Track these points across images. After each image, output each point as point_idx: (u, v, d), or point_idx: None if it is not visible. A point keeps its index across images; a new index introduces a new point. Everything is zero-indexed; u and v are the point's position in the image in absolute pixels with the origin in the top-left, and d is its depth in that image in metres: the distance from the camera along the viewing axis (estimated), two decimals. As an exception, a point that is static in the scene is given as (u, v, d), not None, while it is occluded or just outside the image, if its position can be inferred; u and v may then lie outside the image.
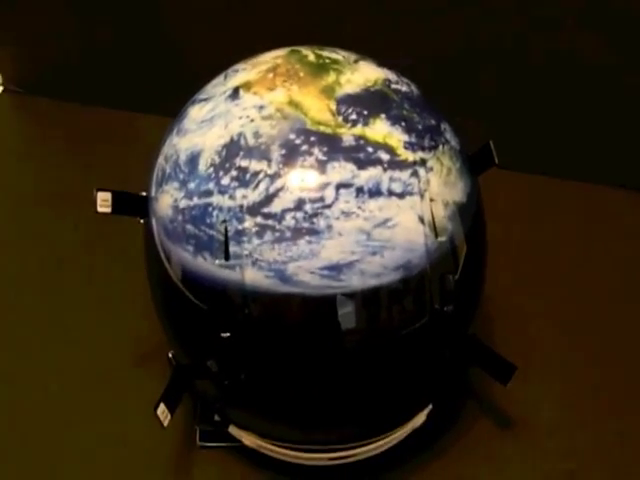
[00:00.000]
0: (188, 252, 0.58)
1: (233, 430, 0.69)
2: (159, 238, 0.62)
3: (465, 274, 0.60)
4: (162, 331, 0.67)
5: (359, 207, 0.55)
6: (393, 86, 0.62)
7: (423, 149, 0.59)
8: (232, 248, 0.56)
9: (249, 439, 0.68)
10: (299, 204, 0.55)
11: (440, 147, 0.60)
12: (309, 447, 0.67)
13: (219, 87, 0.63)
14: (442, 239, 0.57)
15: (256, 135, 0.57)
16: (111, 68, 1.12)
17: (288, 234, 0.54)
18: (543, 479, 0.69)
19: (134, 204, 0.64)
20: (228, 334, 0.58)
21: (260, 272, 0.55)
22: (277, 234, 0.55)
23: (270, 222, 0.55)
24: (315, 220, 0.55)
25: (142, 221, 0.65)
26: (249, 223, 0.55)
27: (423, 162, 0.58)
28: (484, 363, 0.65)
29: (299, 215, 0.55)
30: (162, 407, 0.60)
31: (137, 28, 1.09)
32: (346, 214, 0.55)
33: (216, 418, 0.72)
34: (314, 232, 0.54)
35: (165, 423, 0.60)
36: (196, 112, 0.62)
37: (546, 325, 0.81)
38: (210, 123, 0.60)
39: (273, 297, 0.55)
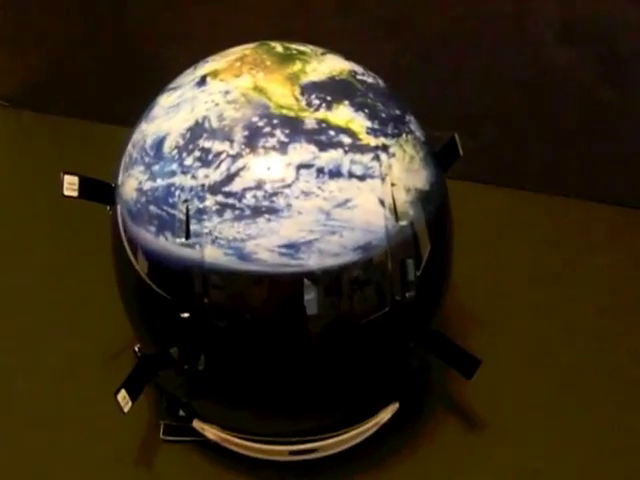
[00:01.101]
0: (150, 232, 0.58)
1: (197, 424, 0.69)
2: (122, 224, 0.62)
3: (428, 265, 0.60)
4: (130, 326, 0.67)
5: (319, 187, 0.55)
6: (359, 77, 0.63)
7: (386, 135, 0.59)
8: (193, 227, 0.56)
9: (212, 432, 0.68)
10: (259, 183, 0.55)
11: (404, 135, 0.61)
12: (270, 439, 0.66)
13: (188, 76, 0.64)
14: (403, 223, 0.58)
15: (220, 118, 0.58)
16: (94, 82, 1.13)
17: (248, 212, 0.55)
18: (513, 478, 0.68)
19: (101, 191, 0.64)
20: (187, 314, 0.57)
21: (219, 250, 0.55)
22: (237, 212, 0.55)
23: (230, 200, 0.55)
24: (275, 199, 0.55)
25: (109, 209, 0.65)
26: (210, 202, 0.56)
27: (385, 148, 0.58)
28: (448, 357, 0.64)
29: (259, 194, 0.55)
30: (123, 393, 0.60)
31: (120, 44, 1.11)
32: (306, 194, 0.55)
33: (180, 413, 0.71)
34: (273, 210, 0.55)
35: (125, 409, 0.60)
36: (164, 100, 0.63)
37: (512, 323, 0.82)
38: (177, 108, 0.61)
39: (231, 275, 0.55)
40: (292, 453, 0.67)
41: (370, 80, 0.63)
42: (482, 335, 0.62)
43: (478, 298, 0.84)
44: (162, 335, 0.62)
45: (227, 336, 0.58)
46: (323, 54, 0.64)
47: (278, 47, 0.63)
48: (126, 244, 0.62)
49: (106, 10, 1.11)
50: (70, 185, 0.62)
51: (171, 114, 0.61)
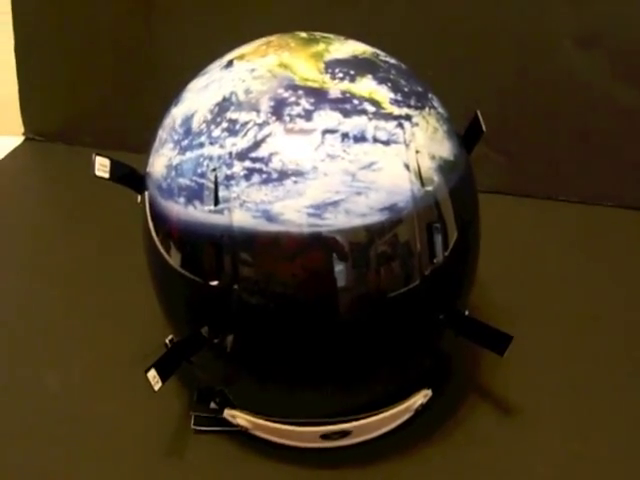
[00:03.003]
0: (179, 204, 0.59)
1: (227, 413, 0.68)
2: (151, 204, 0.63)
3: (454, 236, 0.61)
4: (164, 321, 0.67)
5: (344, 150, 0.56)
6: (381, 57, 0.64)
7: (409, 107, 0.60)
8: (221, 193, 0.57)
9: (243, 418, 0.67)
10: (285, 148, 0.56)
11: (426, 109, 0.62)
12: (302, 420, 0.65)
13: (215, 63, 0.66)
14: (428, 188, 0.58)
15: (247, 92, 0.59)
16: (124, 114, 1.17)
17: (275, 176, 0.56)
18: (548, 461, 0.67)
19: (132, 176, 0.66)
20: (216, 282, 0.58)
21: (247, 213, 0.56)
22: (264, 176, 0.56)
23: (257, 165, 0.56)
24: (301, 162, 0.56)
25: (139, 200, 0.66)
26: (237, 168, 0.57)
27: (408, 117, 0.59)
28: (478, 337, 0.63)
29: (285, 158, 0.56)
30: (153, 372, 0.60)
31: (148, 76, 1.14)
32: (331, 157, 0.56)
33: (212, 405, 0.70)
34: (299, 173, 0.56)
35: (155, 387, 0.60)
36: (193, 84, 0.65)
37: (543, 314, 0.82)
38: (205, 89, 0.63)
39: (260, 236, 0.56)
40: (323, 437, 0.66)
41: (393, 61, 0.65)
42: (512, 327, 0.61)
43: (507, 297, 0.84)
44: (193, 314, 0.63)
45: (256, 305, 0.58)
46: (346, 39, 0.66)
47: (302, 34, 0.65)
48: (153, 226, 0.63)
49: (134, 45, 1.15)
50: (102, 166, 0.63)
51: (199, 95, 0.62)
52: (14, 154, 1.23)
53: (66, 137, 1.20)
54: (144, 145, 0.67)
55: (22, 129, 1.25)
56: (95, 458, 0.69)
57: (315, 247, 0.56)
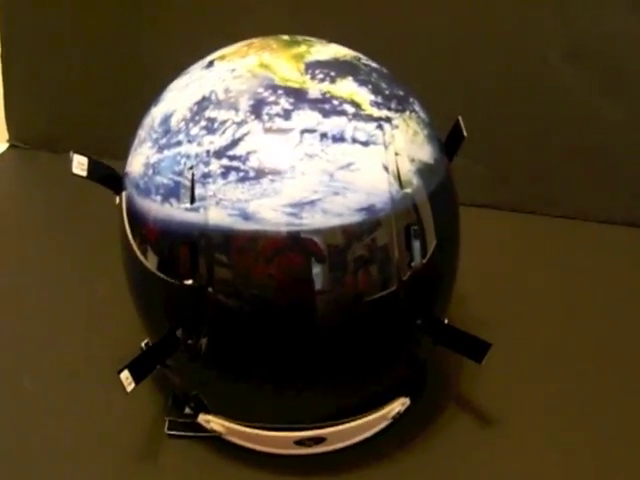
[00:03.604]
0: (156, 202, 0.58)
1: (202, 418, 0.67)
2: (128, 203, 0.62)
3: (433, 240, 0.60)
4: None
5: (322, 150, 0.56)
6: (363, 61, 0.64)
7: (389, 109, 0.60)
8: (197, 191, 0.56)
9: (217, 423, 0.66)
10: (263, 147, 0.56)
11: (407, 112, 0.61)
12: (277, 425, 0.64)
13: (198, 63, 0.65)
14: (407, 190, 0.58)
15: (226, 91, 0.59)
16: (109, 123, 1.16)
17: (252, 174, 0.55)
18: (527, 473, 0.66)
19: (110, 176, 0.65)
20: (191, 281, 0.57)
21: (223, 211, 0.55)
22: (241, 174, 0.55)
23: (235, 163, 0.56)
24: (278, 161, 0.55)
25: (117, 201, 0.65)
26: (214, 166, 0.56)
27: (388, 119, 0.59)
28: (456, 345, 0.63)
29: (263, 156, 0.56)
30: (126, 373, 0.59)
31: (136, 85, 1.14)
32: (309, 156, 0.55)
33: (186, 411, 0.69)
34: (277, 172, 0.55)
35: (128, 389, 0.59)
36: (174, 84, 0.65)
37: (524, 328, 0.81)
38: (185, 88, 0.62)
39: (235, 235, 0.55)
40: (297, 443, 0.65)
41: (374, 65, 0.65)
42: (491, 338, 0.60)
43: (487, 309, 0.83)
44: (168, 315, 0.62)
45: (231, 305, 0.57)
46: (328, 42, 0.65)
47: (285, 36, 0.65)
48: (129, 225, 0.62)
49: (121, 53, 1.15)
50: (79, 164, 0.62)
51: (179, 94, 0.62)
52: (-2, 161, 1.22)
53: (51, 144, 1.19)
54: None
55: (6, 136, 1.24)
56: (68, 461, 0.68)
57: (291, 247, 0.55)
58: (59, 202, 1.10)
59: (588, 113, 0.97)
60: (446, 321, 0.65)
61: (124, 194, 0.63)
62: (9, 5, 1.18)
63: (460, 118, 0.64)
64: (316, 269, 0.56)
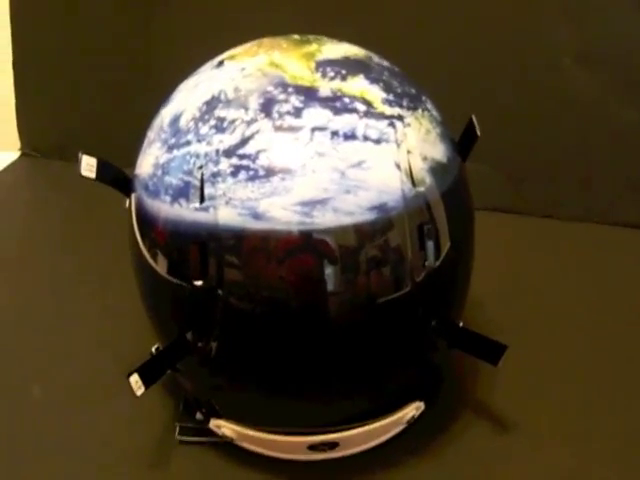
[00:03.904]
0: (165, 202, 0.58)
1: (213, 423, 0.66)
2: (137, 205, 0.62)
3: (447, 241, 0.59)
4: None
5: (333, 148, 0.55)
6: (375, 60, 0.63)
7: (401, 107, 0.59)
8: (207, 190, 0.56)
9: (229, 428, 0.65)
10: (273, 145, 0.55)
11: (420, 110, 0.61)
12: (289, 429, 0.63)
13: (208, 64, 0.65)
14: (420, 189, 0.57)
15: (236, 90, 0.58)
16: (121, 131, 1.15)
17: (262, 172, 0.54)
18: (544, 476, 0.65)
19: (119, 177, 0.64)
20: (201, 282, 0.56)
21: (233, 210, 0.54)
22: (251, 173, 0.55)
23: (244, 162, 0.55)
24: (289, 159, 0.54)
25: (127, 204, 0.65)
26: (224, 165, 0.55)
27: (401, 117, 0.58)
28: (472, 348, 0.62)
29: (273, 155, 0.55)
30: (135, 377, 0.58)
31: (148, 94, 1.14)
32: (320, 154, 0.55)
33: (197, 416, 0.68)
34: (287, 170, 0.54)
35: (138, 393, 0.58)
36: (183, 84, 0.64)
37: (540, 332, 0.80)
38: (194, 89, 0.62)
39: (245, 234, 0.54)
40: (311, 448, 0.64)
41: (386, 64, 0.64)
42: (507, 341, 0.59)
43: (503, 313, 0.82)
44: (178, 318, 0.61)
45: (242, 307, 0.56)
46: (340, 42, 0.65)
47: (295, 36, 0.64)
48: (138, 227, 0.62)
49: (133, 61, 1.15)
50: (88, 166, 0.62)
51: (189, 94, 0.61)
52: (10, 169, 1.23)
53: (62, 153, 1.19)
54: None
55: (18, 145, 1.25)
56: (78, 468, 0.67)
57: (303, 247, 0.54)
58: (71, 210, 1.10)
59: (602, 116, 0.96)
60: (461, 324, 0.64)
61: (133, 196, 0.63)
62: (20, 15, 1.19)
63: (474, 117, 0.63)
64: (328, 270, 0.55)
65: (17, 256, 1.01)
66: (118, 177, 0.64)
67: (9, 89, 1.21)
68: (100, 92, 1.18)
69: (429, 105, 0.63)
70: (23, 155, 1.25)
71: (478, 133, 0.62)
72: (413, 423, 0.67)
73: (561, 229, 0.98)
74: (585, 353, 0.77)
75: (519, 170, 1.00)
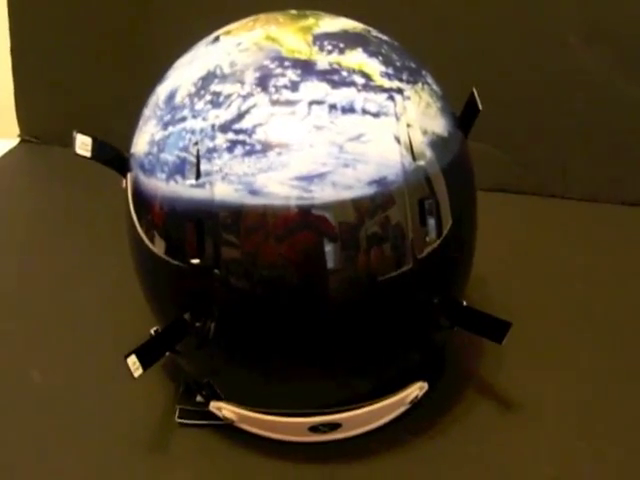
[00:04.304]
0: (161, 180, 0.57)
1: (214, 405, 0.65)
2: (134, 184, 0.61)
3: (447, 217, 0.58)
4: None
5: (331, 122, 0.54)
6: (373, 33, 0.62)
7: (400, 80, 0.58)
8: (203, 166, 0.55)
9: (229, 410, 0.64)
10: (270, 119, 0.54)
11: (419, 84, 0.59)
12: (289, 411, 0.62)
13: (203, 40, 0.63)
14: (420, 163, 0.56)
15: (232, 65, 0.57)
16: (120, 117, 1.14)
17: (258, 147, 0.53)
18: (550, 459, 0.63)
19: (115, 157, 0.63)
20: (198, 260, 0.55)
21: (229, 186, 0.53)
22: (247, 148, 0.54)
23: (241, 137, 0.54)
24: (286, 133, 0.53)
25: (124, 185, 0.64)
26: (220, 140, 0.54)
27: (400, 90, 0.57)
28: (475, 326, 0.60)
29: (270, 129, 0.54)
30: (133, 358, 0.57)
31: (147, 80, 1.13)
32: (318, 128, 0.54)
33: (197, 399, 0.67)
34: (284, 144, 0.53)
35: (135, 374, 0.57)
36: (179, 61, 0.63)
37: (548, 307, 0.79)
38: (189, 65, 0.61)
39: (242, 210, 0.53)
40: (312, 429, 0.63)
41: (385, 38, 0.62)
42: (512, 320, 0.58)
43: (508, 293, 0.81)
44: (175, 298, 0.60)
45: (239, 285, 0.55)
46: (338, 16, 0.63)
47: (292, 11, 0.63)
48: (134, 206, 0.61)
49: (133, 47, 1.14)
50: (83, 145, 0.61)
51: (184, 70, 0.60)
52: (9, 156, 1.21)
53: (61, 139, 1.17)
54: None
55: (17, 131, 1.24)
56: (78, 451, 0.67)
57: (300, 223, 0.53)
58: (71, 196, 1.09)
59: (609, 94, 0.94)
60: (464, 304, 0.63)
61: (129, 176, 0.62)
62: (18, 0, 1.17)
63: (475, 90, 0.62)
64: (328, 246, 0.54)
65: (17, 242, 1.00)
66: (114, 156, 0.63)
67: (7, 75, 1.20)
68: (99, 77, 1.16)
69: (429, 79, 0.61)
70: (22, 141, 1.24)
71: (480, 107, 0.61)
72: (416, 403, 0.66)
73: (566, 208, 0.97)
74: (591, 332, 0.76)
75: (523, 149, 0.99)
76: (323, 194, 0.53)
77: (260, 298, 0.56)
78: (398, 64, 0.59)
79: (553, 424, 0.66)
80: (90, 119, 1.16)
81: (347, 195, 0.53)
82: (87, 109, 1.17)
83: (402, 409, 0.66)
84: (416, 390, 0.65)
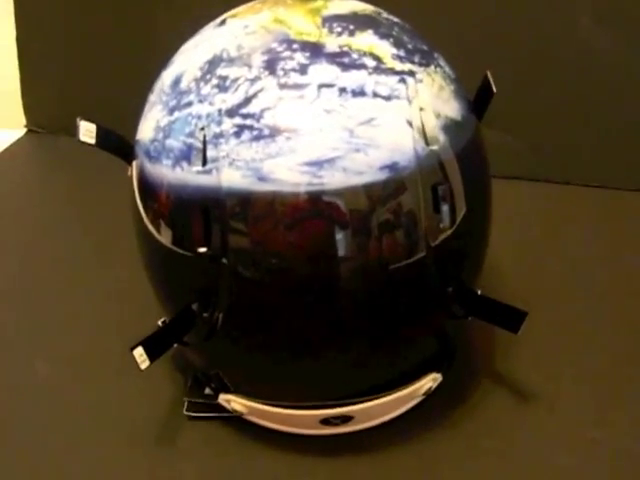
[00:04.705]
0: (167, 166, 0.55)
1: (222, 398, 0.64)
2: (140, 172, 0.59)
3: (462, 203, 0.56)
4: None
5: (341, 105, 0.52)
6: (384, 15, 0.61)
7: (412, 63, 0.56)
8: (209, 152, 0.53)
9: (239, 402, 0.63)
10: (278, 103, 0.52)
11: (432, 67, 0.58)
12: (300, 404, 0.60)
13: (210, 24, 0.62)
14: (433, 148, 0.54)
15: (239, 48, 0.56)
16: (126, 106, 1.13)
17: (266, 132, 0.52)
18: (567, 451, 0.62)
19: (120, 143, 0.62)
20: (205, 249, 0.54)
21: (237, 172, 0.52)
22: (255, 132, 0.52)
23: (248, 122, 0.52)
24: (294, 118, 0.52)
25: (129, 173, 0.62)
26: (227, 125, 0.53)
27: (412, 73, 0.55)
28: (491, 314, 0.58)
29: (278, 113, 0.52)
30: (140, 350, 0.56)
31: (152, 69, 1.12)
32: (328, 111, 0.52)
33: (206, 391, 0.66)
34: (293, 129, 0.52)
35: (142, 366, 0.56)
36: (185, 46, 0.61)
37: (563, 295, 0.78)
38: (195, 49, 0.59)
39: (250, 197, 0.52)
40: (323, 422, 0.61)
41: (396, 20, 0.61)
42: (528, 309, 0.56)
43: (523, 281, 0.79)
44: (182, 288, 0.59)
45: (248, 274, 0.54)
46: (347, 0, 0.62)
47: None
48: (139, 194, 0.59)
49: (138, 35, 1.12)
50: (87, 132, 0.60)
51: (190, 54, 0.59)
52: (16, 146, 1.20)
53: (68, 128, 1.15)
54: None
55: (24, 121, 1.22)
56: (86, 445, 0.66)
57: (310, 210, 0.52)
58: (77, 186, 1.08)
59: (622, 78, 0.92)
60: (479, 292, 0.61)
61: (135, 163, 0.60)
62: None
63: (489, 73, 0.60)
64: (339, 234, 0.52)
65: (24, 232, 0.99)
66: (119, 144, 0.62)
67: (14, 65, 1.19)
68: (106, 66, 1.15)
69: (441, 62, 0.60)
70: (29, 132, 1.23)
71: (494, 89, 0.59)
72: (430, 395, 0.64)
73: (581, 195, 0.95)
74: (607, 319, 0.75)
75: (536, 136, 0.97)
76: (333, 180, 0.51)
77: (269, 287, 0.54)
78: (410, 46, 0.57)
79: (570, 415, 0.65)
80: (97, 108, 1.15)
81: (358, 181, 0.51)
82: (94, 98, 1.15)
83: (416, 401, 0.64)
84: (429, 382, 0.63)
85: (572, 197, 0.95)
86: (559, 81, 0.95)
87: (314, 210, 0.52)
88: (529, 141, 0.97)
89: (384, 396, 0.61)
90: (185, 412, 0.66)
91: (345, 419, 0.61)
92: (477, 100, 0.61)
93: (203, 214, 0.54)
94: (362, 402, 0.61)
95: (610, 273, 0.81)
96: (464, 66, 0.63)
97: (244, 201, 0.52)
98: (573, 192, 0.96)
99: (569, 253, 0.84)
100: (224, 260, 0.54)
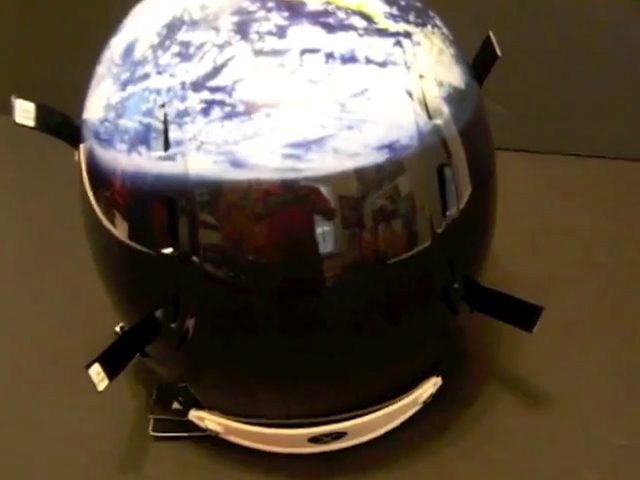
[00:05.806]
0: (121, 152, 0.47)
1: (194, 414, 0.56)
2: (88, 159, 0.51)
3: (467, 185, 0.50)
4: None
5: (329, 74, 0.45)
6: None
7: (408, 22, 0.49)
8: (172, 134, 0.46)
9: (213, 420, 0.55)
10: (254, 74, 0.44)
11: (429, 27, 0.51)
12: (285, 421, 0.53)
13: None
14: (437, 122, 0.47)
15: (203, 8, 0.48)
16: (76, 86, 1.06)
17: (241, 108, 0.44)
18: (588, 462, 0.56)
19: (64, 125, 0.54)
20: (170, 250, 0.46)
21: (207, 157, 0.45)
22: (227, 109, 0.45)
23: (218, 96, 0.45)
24: (274, 90, 0.44)
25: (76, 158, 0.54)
26: (193, 101, 0.45)
27: (408, 34, 0.48)
28: (501, 311, 0.52)
29: (254, 86, 0.45)
30: (97, 368, 0.49)
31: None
32: (313, 82, 0.45)
33: (175, 406, 0.58)
34: (273, 104, 0.44)
35: (100, 387, 0.49)
36: (136, 8, 0.53)
37: (562, 289, 0.70)
38: (150, 10, 0.51)
39: (223, 186, 0.44)
40: (312, 440, 0.54)
41: None
42: (533, 300, 0.51)
43: (524, 266, 0.73)
44: (143, 295, 0.52)
45: (221, 276, 0.46)
46: None
47: None
48: (90, 183, 0.51)
49: (92, 15, 1.03)
50: (24, 112, 0.51)
51: (143, 18, 0.51)
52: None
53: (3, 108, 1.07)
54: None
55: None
56: (37, 471, 0.58)
57: (295, 200, 0.44)
58: (21, 171, 1.00)
59: (616, 48, 0.89)
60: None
61: (82, 147, 0.52)
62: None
63: (491, 34, 0.52)
64: (328, 228, 0.45)
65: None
66: (62, 124, 0.54)
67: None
68: (45, 34, 1.08)
69: (438, 21, 0.53)
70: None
71: (498, 53, 0.52)
72: (430, 402, 0.58)
73: (576, 165, 0.89)
74: (629, 312, 0.68)
75: (526, 106, 0.92)
76: (324, 164, 0.44)
77: (246, 290, 0.47)
78: (403, 3, 0.50)
79: (589, 421, 0.59)
80: (36, 83, 1.07)
81: (352, 164, 0.44)
82: (32, 72, 1.07)
83: (415, 409, 0.58)
84: (430, 387, 0.57)
85: (565, 167, 0.90)
86: (554, 51, 0.92)
87: (299, 200, 0.44)
88: (518, 111, 0.91)
89: (380, 408, 0.55)
90: (151, 432, 0.59)
91: (337, 436, 0.54)
92: (477, 64, 0.54)
93: (167, 207, 0.46)
94: (356, 417, 0.54)
95: (614, 253, 0.75)
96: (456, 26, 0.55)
97: (216, 191, 0.45)
98: (565, 162, 0.90)
99: (574, 235, 0.78)
100: (194, 259, 0.46)
